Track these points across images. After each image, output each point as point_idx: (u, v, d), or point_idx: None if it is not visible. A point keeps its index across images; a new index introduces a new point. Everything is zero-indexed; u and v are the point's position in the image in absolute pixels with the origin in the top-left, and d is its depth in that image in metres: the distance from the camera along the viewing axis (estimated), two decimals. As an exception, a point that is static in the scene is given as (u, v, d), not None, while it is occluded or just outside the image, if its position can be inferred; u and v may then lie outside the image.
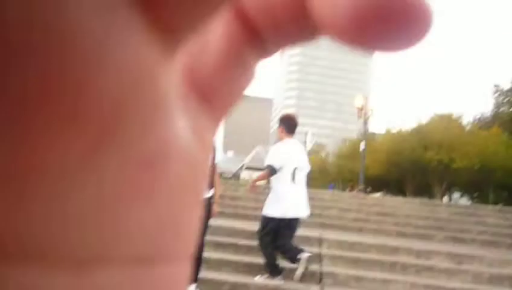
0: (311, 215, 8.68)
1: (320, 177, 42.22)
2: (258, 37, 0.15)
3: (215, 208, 4.21)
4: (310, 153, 44.64)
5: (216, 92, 0.14)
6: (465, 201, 36.04)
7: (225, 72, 0.14)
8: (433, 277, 5.07)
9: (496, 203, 28.95)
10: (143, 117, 0.11)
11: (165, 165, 0.12)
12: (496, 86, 36.66)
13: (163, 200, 0.12)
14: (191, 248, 0.14)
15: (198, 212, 0.14)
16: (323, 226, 7.79)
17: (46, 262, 0.10)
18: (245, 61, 0.15)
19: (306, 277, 4.78)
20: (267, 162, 4.24)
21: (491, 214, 9.60)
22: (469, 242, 7.56)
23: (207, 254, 5.08)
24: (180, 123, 0.13)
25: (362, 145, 25.87)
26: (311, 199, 9.94)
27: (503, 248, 7.26)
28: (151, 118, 0.11)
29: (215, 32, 0.14)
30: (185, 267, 0.14)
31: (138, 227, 0.12)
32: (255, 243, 5.57)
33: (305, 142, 49.64)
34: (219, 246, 5.44)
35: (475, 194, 37.18)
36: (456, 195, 40.16)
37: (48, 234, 0.10)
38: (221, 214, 6.74)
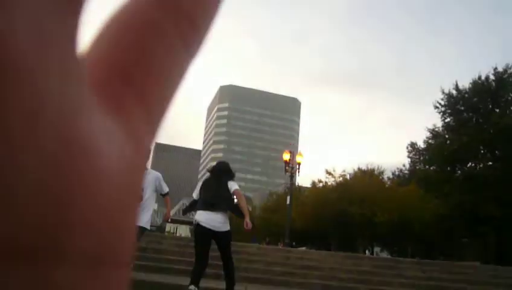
0: (236, 268, 8.54)
1: (243, 232, 41.92)
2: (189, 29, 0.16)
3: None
4: (237, 206, 44.48)
5: (151, 90, 0.15)
6: (385, 255, 37.20)
7: (157, 66, 0.15)
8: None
9: (413, 256, 30.13)
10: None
11: (89, 159, 0.13)
12: (412, 144, 38.98)
13: (102, 197, 0.13)
14: (131, 252, 0.15)
15: (136, 217, 0.15)
16: (248, 280, 7.66)
17: (5, 256, 0.11)
18: (175, 55, 0.16)
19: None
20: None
21: (410, 266, 9.94)
22: (391, 294, 7.73)
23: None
24: (107, 124, 0.13)
25: (288, 199, 26.24)
26: (236, 252, 9.83)
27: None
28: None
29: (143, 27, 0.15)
30: (128, 272, 0.15)
31: (85, 224, 0.12)
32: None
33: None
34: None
35: (395, 248, 38.55)
36: (377, 249, 41.40)
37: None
38: (144, 268, 6.44)
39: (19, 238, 0.11)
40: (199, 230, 4.81)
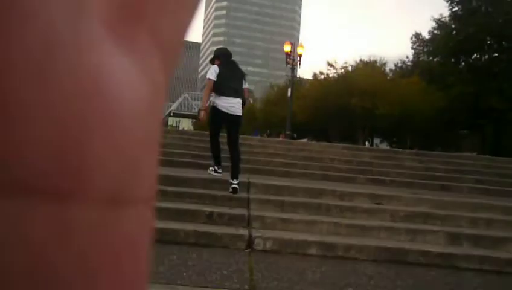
0: (242, 160, 8.74)
1: (247, 124, 42.57)
2: None
3: (202, 115, 5.78)
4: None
5: (163, 26, 0.15)
6: (385, 146, 38.03)
7: (168, 1, 0.15)
8: (355, 217, 5.33)
9: (412, 147, 30.80)
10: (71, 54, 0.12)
11: (105, 98, 0.12)
12: (416, 34, 38.03)
13: (118, 135, 0.13)
14: (151, 191, 0.15)
15: (156, 158, 0.15)
16: (250, 171, 7.89)
17: (30, 192, 0.11)
18: None
19: (234, 221, 4.85)
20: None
21: (408, 157, 10.18)
22: (388, 184, 8.00)
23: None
24: (121, 62, 0.13)
25: (289, 92, 26.16)
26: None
27: (417, 188, 7.76)
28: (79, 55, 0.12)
29: None
30: (147, 211, 0.15)
31: (104, 163, 0.12)
32: (183, 189, 5.54)
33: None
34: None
35: (394, 139, 39.34)
36: (376, 140, 42.23)
37: (33, 165, 0.11)
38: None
39: (40, 177, 0.11)
40: (223, 115, 5.49)
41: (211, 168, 6.38)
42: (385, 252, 4.47)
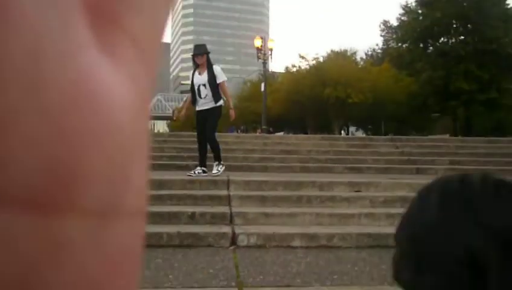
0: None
1: (222, 121, 42.40)
2: None
3: (233, 113, 6.89)
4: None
5: (141, 27, 0.14)
6: (360, 134, 38.47)
7: (143, 2, 0.14)
8: (335, 206, 5.40)
9: (387, 133, 31.24)
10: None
11: (95, 105, 0.12)
12: (384, 22, 38.50)
13: (108, 144, 0.13)
14: (143, 203, 0.14)
15: (146, 166, 0.15)
16: (229, 168, 7.91)
17: (16, 204, 0.11)
18: None
19: (217, 219, 4.86)
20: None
21: (383, 144, 10.34)
22: (365, 171, 8.12)
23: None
24: (107, 67, 0.13)
25: (262, 86, 26.18)
26: (216, 142, 9.86)
27: (394, 173, 7.90)
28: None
29: None
30: (139, 224, 0.14)
31: (93, 172, 0.12)
32: (163, 191, 5.52)
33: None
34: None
35: (369, 127, 39.82)
36: (352, 129, 42.65)
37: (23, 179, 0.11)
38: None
39: (29, 187, 0.11)
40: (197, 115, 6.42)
41: (199, 169, 6.54)
42: (367, 238, 4.56)
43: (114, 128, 0.13)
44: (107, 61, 0.13)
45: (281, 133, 28.87)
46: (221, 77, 6.35)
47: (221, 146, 9.71)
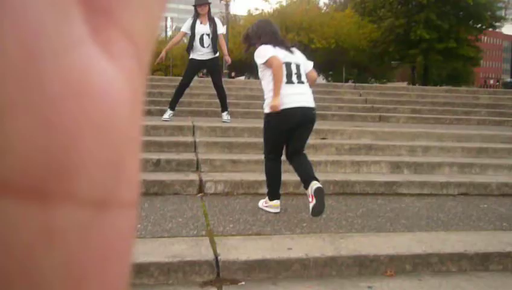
0: (181, 103, 8.56)
1: (182, 64, 41.46)
2: None
3: (228, 59, 7.12)
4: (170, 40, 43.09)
5: (134, 22, 0.14)
6: (321, 80, 38.47)
7: None
8: (301, 153, 5.41)
9: (347, 80, 31.46)
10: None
11: (92, 98, 0.13)
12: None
13: (104, 136, 0.13)
14: (135, 195, 0.15)
15: (139, 159, 0.15)
16: (194, 113, 7.76)
17: (13, 192, 0.12)
18: None
19: (183, 166, 4.79)
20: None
21: (347, 91, 10.38)
22: (330, 118, 8.16)
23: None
24: (102, 61, 0.13)
25: (224, 29, 25.37)
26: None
27: (358, 121, 7.98)
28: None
29: None
30: (131, 215, 0.15)
31: (89, 163, 0.13)
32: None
33: (165, 28, 47.55)
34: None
35: (330, 73, 39.93)
36: (313, 75, 42.47)
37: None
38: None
39: (26, 176, 0.12)
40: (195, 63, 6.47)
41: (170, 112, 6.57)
42: (333, 185, 4.61)
43: (109, 121, 0.13)
44: (102, 57, 0.13)
45: (242, 78, 28.55)
46: (221, 29, 6.50)
47: (186, 91, 9.49)
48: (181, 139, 5.46)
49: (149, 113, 7.73)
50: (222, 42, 6.59)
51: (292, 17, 31.48)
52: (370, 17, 33.10)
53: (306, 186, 3.48)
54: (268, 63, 3.53)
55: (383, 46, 32.48)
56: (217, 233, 3.18)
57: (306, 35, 30.98)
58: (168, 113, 6.44)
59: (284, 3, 35.65)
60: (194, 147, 5.29)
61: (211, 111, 8.00)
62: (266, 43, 3.65)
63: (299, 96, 3.64)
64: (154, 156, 4.86)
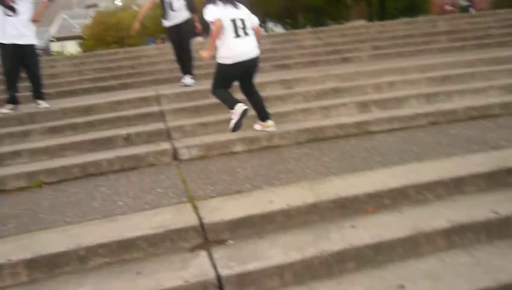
0: (142, 74, 8.36)
1: (137, 35, 40.21)
2: None
3: (199, 26, 6.57)
4: (122, 10, 41.54)
5: None
6: (280, 29, 38.05)
7: None
8: (270, 105, 5.39)
9: (305, 26, 31.16)
10: None
11: None
12: None
13: None
14: None
15: None
16: (156, 82, 7.62)
17: None
18: None
19: (154, 137, 4.74)
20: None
21: (307, 37, 10.29)
22: (293, 66, 8.13)
23: (44, 143, 4.66)
24: None
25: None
26: (136, 57, 9.51)
27: (321, 65, 7.97)
28: None
29: None
30: None
31: None
32: (92, 117, 5.25)
33: (114, -2, 45.74)
34: (55, 130, 5.00)
35: (287, 20, 39.39)
36: (270, 24, 42.01)
37: None
38: (47, 97, 6.11)
39: None
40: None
41: (188, 77, 6.59)
42: (305, 133, 4.65)
43: None
44: None
45: (199, 39, 27.91)
46: None
47: (143, 61, 9.27)
48: (147, 110, 5.37)
49: (111, 88, 7.55)
50: (193, 5, 6.51)
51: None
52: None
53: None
54: (211, 23, 4.30)
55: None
56: (197, 197, 3.19)
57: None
58: (189, 77, 6.57)
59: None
60: (161, 116, 5.22)
61: (173, 77, 7.86)
62: (215, 1, 4.33)
63: (245, 47, 4.37)
64: (123, 131, 4.79)
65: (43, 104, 5.75)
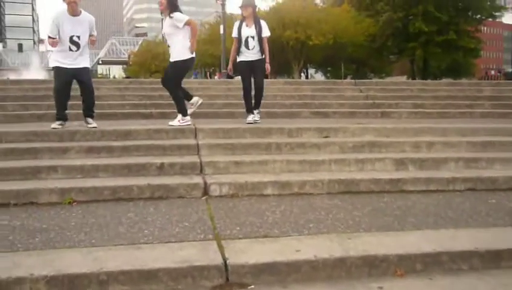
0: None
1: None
2: None
3: (268, 67, 6.79)
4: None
5: None
6: (320, 76, 38.46)
7: None
8: (306, 152, 5.38)
9: (346, 75, 31.39)
10: None
11: None
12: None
13: None
14: None
15: None
16: (195, 115, 7.72)
17: None
18: None
19: (186, 169, 4.75)
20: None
21: (348, 87, 10.34)
22: (331, 115, 8.13)
23: (80, 161, 4.75)
24: None
25: (221, 29, 25.38)
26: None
27: (359, 118, 7.94)
28: None
29: None
30: None
31: None
32: (129, 142, 5.33)
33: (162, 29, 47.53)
34: (92, 150, 5.10)
35: (328, 69, 39.81)
36: (311, 71, 42.54)
37: None
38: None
39: None
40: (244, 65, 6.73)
41: (252, 116, 6.84)
42: (338, 184, 4.58)
43: None
44: None
45: (240, 77, 28.44)
46: (266, 32, 6.65)
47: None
48: (184, 142, 5.43)
49: (151, 116, 7.70)
50: (266, 46, 6.72)
51: (289, 14, 31.41)
52: (367, 11, 33.03)
53: (189, 100, 6.58)
54: (187, 23, 6.06)
55: (381, 41, 32.41)
56: (224, 237, 3.15)
57: (303, 32, 30.91)
58: (250, 116, 6.82)
59: (281, 1, 35.58)
60: (197, 149, 5.26)
61: (212, 112, 7.97)
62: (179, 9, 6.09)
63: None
64: (158, 160, 4.83)
65: (92, 124, 5.94)
